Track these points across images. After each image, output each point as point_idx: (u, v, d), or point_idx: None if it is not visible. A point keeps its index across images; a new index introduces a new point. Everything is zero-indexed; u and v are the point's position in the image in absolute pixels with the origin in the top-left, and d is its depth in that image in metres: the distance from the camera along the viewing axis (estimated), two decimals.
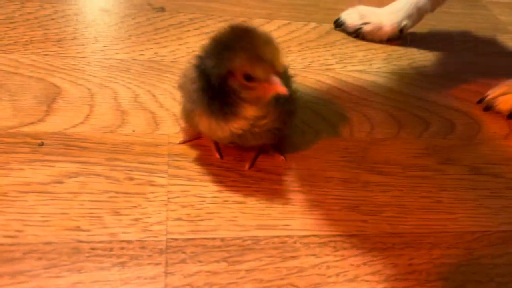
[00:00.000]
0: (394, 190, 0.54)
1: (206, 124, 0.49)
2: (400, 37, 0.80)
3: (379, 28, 0.79)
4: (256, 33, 0.45)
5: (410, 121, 0.64)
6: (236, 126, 0.47)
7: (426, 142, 0.61)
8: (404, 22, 0.79)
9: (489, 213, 0.53)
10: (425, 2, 0.78)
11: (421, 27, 0.84)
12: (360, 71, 0.73)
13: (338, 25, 0.81)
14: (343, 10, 0.85)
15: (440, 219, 0.52)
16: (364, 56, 0.76)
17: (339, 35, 0.81)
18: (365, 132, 0.61)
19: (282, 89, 0.44)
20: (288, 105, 0.50)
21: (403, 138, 0.61)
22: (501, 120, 0.68)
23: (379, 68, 0.74)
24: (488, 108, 0.69)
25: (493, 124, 0.66)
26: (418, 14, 0.79)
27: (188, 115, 0.51)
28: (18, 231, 0.43)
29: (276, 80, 0.44)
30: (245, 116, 0.47)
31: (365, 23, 0.79)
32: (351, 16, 0.80)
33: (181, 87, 0.51)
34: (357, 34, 0.80)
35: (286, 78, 0.51)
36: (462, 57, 0.81)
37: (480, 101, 0.70)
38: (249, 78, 0.44)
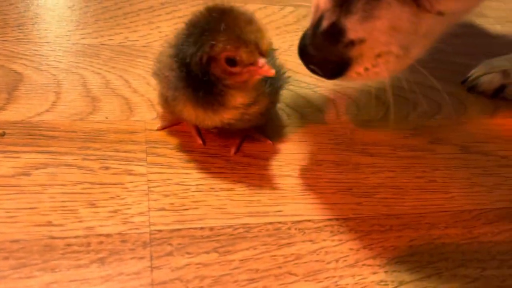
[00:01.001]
0: (387, 171, 0.51)
1: (192, 113, 0.45)
2: None
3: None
4: (236, 12, 0.42)
5: (396, 102, 0.62)
6: (226, 116, 0.44)
7: (414, 123, 0.60)
8: None
9: (484, 191, 0.52)
10: None
11: None
12: None
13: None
14: None
15: (435, 198, 0.50)
16: None
17: None
18: (351, 114, 0.59)
19: (270, 71, 0.41)
20: (276, 83, 0.47)
21: (390, 119, 0.59)
22: (485, 99, 0.67)
23: None
24: (472, 88, 0.68)
25: (478, 104, 0.66)
26: None
27: (168, 103, 0.47)
28: None
29: (263, 62, 0.41)
30: (234, 106, 0.43)
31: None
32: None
33: (156, 74, 0.47)
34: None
35: (270, 54, 0.48)
36: (442, 39, 0.80)
37: (463, 82, 0.69)
38: (233, 62, 0.41)
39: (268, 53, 0.46)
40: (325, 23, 0.37)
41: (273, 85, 0.46)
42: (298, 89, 0.61)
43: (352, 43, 0.37)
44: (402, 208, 0.48)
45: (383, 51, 0.38)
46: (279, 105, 0.55)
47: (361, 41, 0.37)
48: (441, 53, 0.74)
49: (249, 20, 0.42)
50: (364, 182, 0.49)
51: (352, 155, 0.53)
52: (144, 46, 0.62)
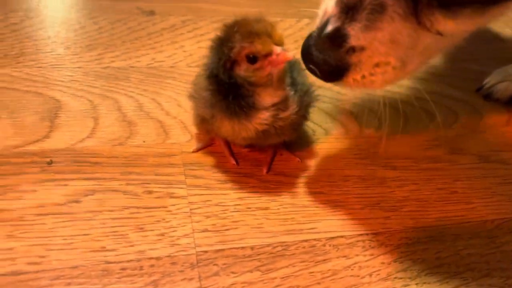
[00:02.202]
0: (411, 184, 0.54)
1: (229, 128, 0.48)
2: None
3: None
4: (247, 17, 0.46)
5: (415, 113, 0.65)
6: (259, 121, 0.47)
7: (433, 133, 0.62)
8: None
9: (504, 200, 0.54)
10: None
11: None
12: None
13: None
14: None
15: (458, 209, 0.52)
16: None
17: None
18: (373, 128, 0.61)
19: (287, 56, 0.43)
20: (307, 98, 0.50)
21: (410, 131, 0.62)
22: (500, 107, 0.69)
23: None
24: (487, 96, 0.70)
25: (493, 112, 0.68)
26: None
27: (205, 122, 0.50)
28: (41, 256, 0.41)
29: (279, 49, 0.43)
30: (265, 106, 0.46)
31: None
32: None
33: (193, 96, 0.50)
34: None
35: (299, 70, 0.50)
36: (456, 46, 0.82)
37: (478, 90, 0.71)
38: (252, 58, 0.44)
39: (298, 68, 0.49)
40: (330, 27, 0.39)
41: (304, 97, 0.49)
42: (321, 104, 0.63)
43: (353, 49, 0.39)
44: (427, 220, 0.50)
45: (382, 61, 0.40)
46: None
47: (362, 48, 0.39)
48: (455, 60, 0.77)
49: (258, 19, 0.45)
50: (390, 196, 0.52)
51: (377, 169, 0.55)
52: (171, 67, 0.65)
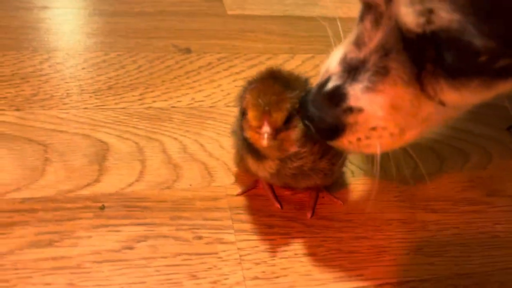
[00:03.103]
0: (451, 228, 0.55)
1: (251, 164, 0.49)
2: None
3: None
4: (275, 76, 0.46)
5: (450, 153, 0.66)
6: (268, 166, 0.48)
7: (469, 174, 0.63)
8: None
9: None
10: None
11: None
12: None
13: None
14: None
15: (501, 255, 0.53)
16: None
17: None
18: (410, 168, 0.62)
19: (262, 143, 0.43)
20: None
21: (446, 172, 0.63)
22: None
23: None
24: None
25: None
26: None
27: (241, 159, 0.52)
28: None
29: (264, 131, 0.42)
30: (272, 158, 0.47)
31: None
32: None
33: (234, 131, 0.52)
34: None
35: None
36: None
37: (509, 128, 0.72)
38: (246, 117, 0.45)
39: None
40: (330, 85, 0.39)
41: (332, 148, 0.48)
42: None
43: (350, 109, 0.38)
44: (471, 266, 0.51)
45: (379, 125, 0.39)
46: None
47: (360, 110, 0.38)
48: None
49: (272, 89, 0.44)
50: (432, 241, 0.53)
51: (417, 212, 0.56)
52: (210, 107, 0.67)
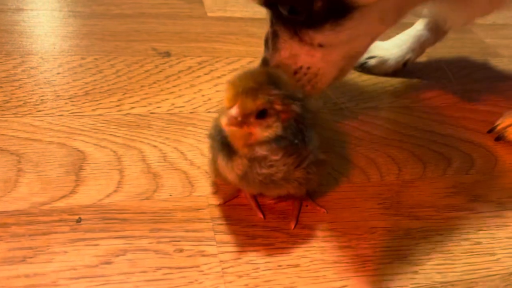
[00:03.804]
0: (435, 235, 0.55)
1: (221, 166, 0.48)
2: (404, 70, 0.82)
3: (384, 62, 0.81)
4: (265, 73, 0.45)
5: (432, 158, 0.65)
6: (235, 164, 0.46)
7: (452, 180, 0.63)
8: (408, 56, 0.81)
9: None
10: (427, 37, 0.80)
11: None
12: (372, 107, 0.74)
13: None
14: None
15: (483, 261, 0.53)
16: (373, 91, 0.77)
17: None
18: (394, 175, 0.62)
19: (223, 124, 0.42)
20: (314, 155, 0.48)
21: (429, 177, 0.63)
22: None
23: (390, 103, 0.75)
24: (499, 138, 0.71)
25: (507, 155, 0.69)
26: (421, 48, 0.81)
27: (213, 163, 0.50)
28: None
29: (231, 112, 0.42)
30: (240, 154, 0.46)
31: (370, 57, 0.80)
32: None
33: (210, 134, 0.50)
34: (363, 68, 0.81)
35: (310, 123, 0.49)
36: (463, 85, 0.84)
37: (490, 131, 0.72)
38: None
39: (310, 120, 0.48)
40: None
41: (312, 158, 0.47)
42: (341, 150, 0.64)
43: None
44: (454, 274, 0.51)
45: (296, 69, 0.53)
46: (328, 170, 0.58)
47: (278, 66, 0.53)
48: (466, 101, 0.78)
49: (256, 77, 0.43)
50: (417, 249, 0.53)
51: (401, 220, 0.56)
52: (191, 113, 0.65)
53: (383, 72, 0.81)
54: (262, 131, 0.44)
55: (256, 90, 0.42)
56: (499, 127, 0.72)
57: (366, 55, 0.80)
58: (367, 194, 0.58)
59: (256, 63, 0.77)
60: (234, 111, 0.42)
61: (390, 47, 0.81)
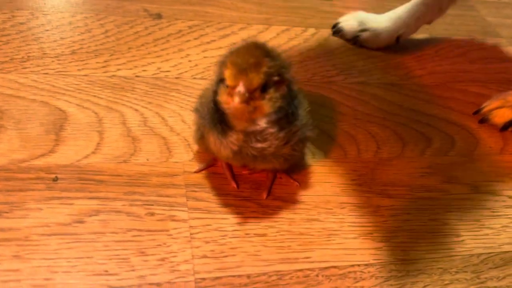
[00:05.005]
0: (403, 214, 0.56)
1: (212, 141, 0.49)
2: (397, 45, 0.81)
3: (377, 36, 0.80)
4: (255, 45, 0.45)
5: (413, 138, 0.66)
6: (231, 140, 0.47)
7: (429, 160, 0.64)
8: (402, 31, 0.80)
9: (492, 234, 0.56)
10: (423, 13, 0.78)
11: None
12: (361, 82, 0.74)
13: (336, 31, 0.81)
14: (339, 13, 0.85)
15: (448, 242, 0.54)
16: (363, 66, 0.77)
17: (338, 42, 0.81)
18: (372, 152, 0.63)
19: (234, 103, 0.42)
20: (304, 132, 0.50)
21: (407, 156, 0.63)
22: (496, 133, 0.70)
23: (378, 79, 0.75)
24: (484, 120, 0.71)
25: (489, 138, 0.69)
26: (416, 24, 0.80)
27: (202, 138, 0.51)
28: (47, 279, 0.43)
29: (237, 90, 0.42)
30: (237, 130, 0.46)
31: (363, 30, 0.79)
32: (349, 23, 0.81)
33: (198, 109, 0.51)
34: (355, 41, 0.80)
35: (301, 102, 0.50)
36: (456, 64, 0.83)
37: (476, 113, 0.72)
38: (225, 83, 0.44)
39: (296, 96, 0.49)
40: None
41: (298, 134, 0.49)
42: (322, 124, 0.64)
43: None
44: (417, 252, 0.52)
45: None
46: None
47: None
48: (454, 81, 0.78)
49: (252, 52, 0.44)
50: (383, 226, 0.54)
51: (373, 197, 0.57)
52: (176, 78, 0.66)
53: (375, 46, 0.80)
54: (266, 104, 0.44)
55: (259, 64, 0.43)
56: (484, 110, 0.72)
57: (359, 28, 0.79)
58: (342, 169, 0.59)
59: (248, 29, 0.77)
60: (242, 88, 0.42)
61: (384, 21, 0.80)
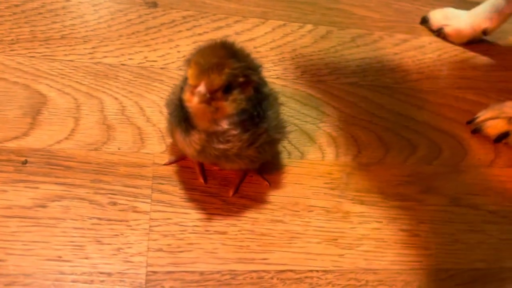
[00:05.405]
0: (374, 222, 0.55)
1: (178, 139, 0.49)
2: (482, 40, 0.83)
3: (459, 31, 0.83)
4: (222, 45, 0.45)
5: (397, 144, 0.64)
6: (194, 139, 0.46)
7: (411, 169, 0.62)
8: (485, 25, 0.81)
9: (465, 249, 0.55)
10: (502, 6, 0.79)
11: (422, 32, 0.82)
12: (352, 83, 0.72)
13: (423, 20, 0.86)
14: (342, 10, 0.83)
15: (416, 254, 0.53)
16: (357, 66, 0.75)
17: (335, 40, 0.79)
18: (351, 155, 0.61)
19: (190, 102, 0.42)
20: (273, 134, 0.49)
21: (388, 163, 0.62)
22: (487, 144, 0.68)
23: (372, 81, 0.73)
24: (476, 131, 0.69)
25: (479, 149, 0.67)
26: (499, 18, 0.80)
27: (171, 133, 0.51)
28: (1, 260, 0.44)
29: (198, 90, 0.42)
30: (199, 129, 0.46)
31: (447, 25, 0.83)
32: (436, 16, 0.85)
33: (168, 104, 0.51)
34: (439, 33, 0.84)
35: (273, 104, 0.50)
36: (457, 70, 0.80)
37: (469, 122, 0.70)
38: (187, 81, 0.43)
39: (269, 98, 0.49)
40: None
41: (267, 136, 0.48)
42: (303, 124, 0.63)
43: None
44: (381, 263, 0.51)
45: None
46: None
47: None
48: (451, 87, 0.75)
49: (216, 52, 0.43)
50: (350, 233, 0.53)
51: (344, 202, 0.56)
52: (161, 68, 0.66)
53: (458, 41, 0.83)
54: (229, 106, 0.44)
55: (221, 65, 0.42)
56: (478, 119, 0.70)
57: (443, 22, 0.83)
58: (316, 172, 0.58)
59: (244, 23, 0.76)
60: (202, 88, 0.42)
61: (466, 17, 0.83)
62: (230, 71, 0.42)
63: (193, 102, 0.42)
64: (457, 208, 0.59)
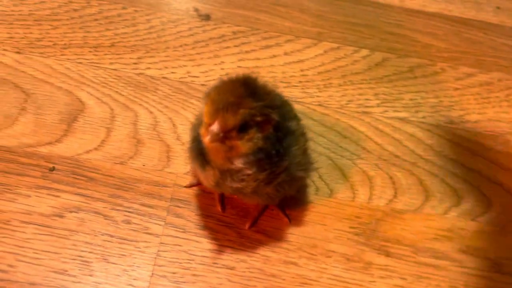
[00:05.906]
0: (397, 278, 0.50)
1: (197, 171, 0.47)
2: None
3: None
4: (242, 81, 0.42)
5: (440, 192, 0.59)
6: (208, 174, 0.45)
7: (451, 223, 0.56)
8: None
9: None
10: None
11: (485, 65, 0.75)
12: (402, 119, 0.67)
13: None
14: (404, 36, 0.78)
15: None
16: (411, 100, 0.70)
17: (390, 69, 0.74)
18: (385, 199, 0.57)
19: (204, 139, 0.41)
20: (289, 173, 0.46)
21: (425, 213, 0.57)
22: None
23: (424, 117, 0.68)
24: None
25: None
26: None
27: (191, 160, 0.50)
28: (10, 266, 0.45)
29: (211, 128, 0.40)
30: (213, 166, 0.44)
31: None
32: None
33: (192, 130, 0.50)
34: None
35: (297, 139, 0.47)
36: None
37: None
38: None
39: (295, 134, 0.46)
40: None
41: (286, 176, 0.45)
42: (338, 159, 0.60)
43: None
44: None
45: None
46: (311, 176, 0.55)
47: None
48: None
49: (234, 90, 0.41)
50: (368, 287, 0.49)
51: (368, 251, 0.52)
52: (202, 85, 0.65)
53: None
54: (244, 145, 0.42)
55: (237, 105, 0.40)
56: None
57: None
58: (343, 213, 0.55)
59: (295, 43, 0.73)
60: (216, 127, 0.40)
61: None
62: (245, 111, 0.40)
63: (206, 140, 0.41)
64: (498, 275, 0.53)
